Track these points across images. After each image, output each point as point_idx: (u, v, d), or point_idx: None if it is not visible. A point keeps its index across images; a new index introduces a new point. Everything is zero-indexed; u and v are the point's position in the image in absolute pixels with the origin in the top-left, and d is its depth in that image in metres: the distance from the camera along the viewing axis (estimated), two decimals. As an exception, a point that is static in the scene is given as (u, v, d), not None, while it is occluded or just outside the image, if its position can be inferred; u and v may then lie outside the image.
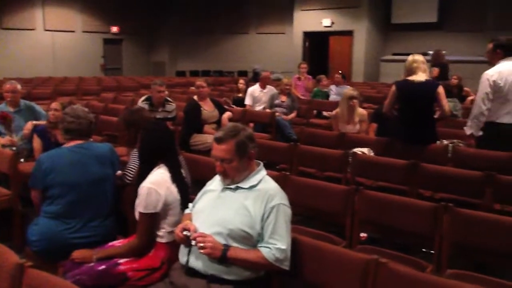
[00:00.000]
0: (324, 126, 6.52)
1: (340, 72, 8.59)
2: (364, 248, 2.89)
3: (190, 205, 2.42)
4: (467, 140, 4.38)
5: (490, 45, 4.20)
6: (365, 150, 4.34)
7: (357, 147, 4.42)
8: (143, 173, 2.50)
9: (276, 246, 2.08)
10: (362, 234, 3.70)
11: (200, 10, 18.15)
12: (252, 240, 2.12)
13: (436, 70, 4.27)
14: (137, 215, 2.44)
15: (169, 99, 5.71)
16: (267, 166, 4.56)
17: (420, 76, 4.11)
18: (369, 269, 2.01)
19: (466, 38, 12.98)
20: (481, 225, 2.60)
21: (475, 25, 13.13)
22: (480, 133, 4.19)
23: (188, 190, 2.63)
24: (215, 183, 2.34)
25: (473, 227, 2.61)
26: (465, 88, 7.14)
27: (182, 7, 18.38)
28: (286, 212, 2.16)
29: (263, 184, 2.21)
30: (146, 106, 5.28)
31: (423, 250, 3.33)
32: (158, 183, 2.42)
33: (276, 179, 3.22)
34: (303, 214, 4.10)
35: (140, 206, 2.40)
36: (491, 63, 4.18)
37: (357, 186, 3.00)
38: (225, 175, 2.21)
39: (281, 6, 16.52)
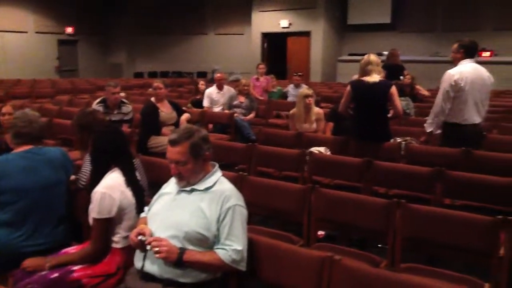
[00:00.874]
0: (283, 126, 6.57)
1: (297, 73, 8.67)
2: (321, 245, 2.94)
3: (146, 208, 2.39)
4: (421, 138, 4.54)
5: (455, 45, 4.34)
6: (322, 149, 4.41)
7: (314, 146, 4.48)
8: (95, 178, 2.45)
9: (232, 247, 2.09)
10: (320, 232, 3.76)
11: (157, 10, 17.91)
12: (208, 242, 2.11)
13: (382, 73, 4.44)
14: (91, 221, 2.39)
15: (125, 101, 5.62)
16: (226, 167, 4.59)
17: (374, 77, 4.22)
18: (324, 267, 2.04)
19: (418, 38, 13.41)
20: (432, 220, 2.69)
21: (426, 26, 13.60)
22: (439, 131, 4.36)
23: (144, 193, 2.59)
24: (171, 185, 2.32)
25: (424, 221, 2.70)
26: (417, 86, 7.37)
27: (138, 7, 18.11)
28: (242, 213, 2.17)
29: (219, 186, 2.21)
30: (101, 109, 5.17)
31: (379, 245, 3.42)
32: (112, 187, 2.38)
33: (234, 180, 3.27)
34: (262, 214, 4.14)
35: (94, 212, 2.35)
36: (454, 63, 4.34)
37: (313, 185, 3.04)
38: (180, 178, 2.20)
39: (239, 7, 16.55)
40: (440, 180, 3.41)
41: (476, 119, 4.27)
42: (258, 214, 4.09)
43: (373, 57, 4.32)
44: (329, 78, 14.42)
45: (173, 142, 2.16)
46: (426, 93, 7.42)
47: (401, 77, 7.16)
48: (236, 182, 3.27)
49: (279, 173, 4.43)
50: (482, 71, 4.28)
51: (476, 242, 2.53)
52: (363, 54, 4.55)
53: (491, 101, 7.87)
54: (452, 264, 3.36)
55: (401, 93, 6.30)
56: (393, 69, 7.37)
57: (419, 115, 6.18)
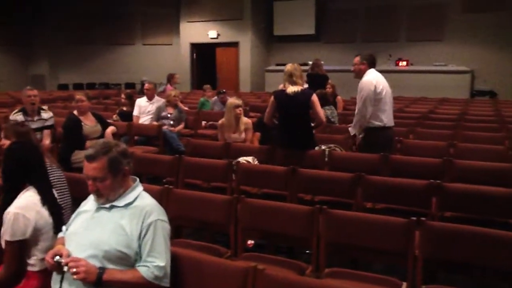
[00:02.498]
0: (213, 137, 6.57)
1: (222, 91, 8.71)
2: (249, 255, 2.95)
3: (64, 228, 2.28)
4: (345, 143, 4.75)
5: (357, 58, 4.65)
6: (250, 158, 4.45)
7: (243, 156, 4.51)
8: (7, 197, 2.31)
9: (154, 264, 2.04)
10: (250, 241, 3.79)
11: (81, 19, 17.26)
12: (129, 260, 2.06)
13: (304, 82, 4.68)
14: (3, 244, 2.25)
15: (44, 107, 5.43)
16: (153, 181, 4.51)
17: (296, 87, 4.33)
18: (248, 278, 2.05)
19: (340, 49, 13.99)
20: (353, 224, 2.79)
21: (348, 37, 14.24)
22: (362, 134, 4.60)
23: (62, 212, 2.48)
24: (90, 203, 2.24)
25: (346, 226, 2.80)
26: (338, 97, 7.65)
27: (62, 16, 17.36)
28: (164, 228, 2.13)
29: (140, 201, 2.16)
30: (20, 117, 4.95)
31: (307, 251, 3.50)
32: (25, 207, 2.25)
33: (159, 194, 3.23)
34: (192, 227, 4.10)
35: (7, 234, 2.21)
36: (358, 73, 4.65)
37: (238, 195, 3.06)
38: (98, 194, 2.13)
39: (167, 17, 16.40)
40: (360, 185, 3.55)
41: (392, 122, 4.64)
42: (187, 227, 4.08)
43: (295, 67, 4.44)
44: (258, 88, 14.64)
45: (89, 158, 2.09)
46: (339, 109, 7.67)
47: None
48: (162, 195, 3.23)
49: (208, 184, 4.42)
50: (385, 80, 4.64)
51: (393, 243, 2.66)
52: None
53: (408, 108, 8.45)
54: (374, 265, 3.52)
55: (327, 102, 6.54)
56: (316, 78, 7.62)
57: (342, 122, 6.42)
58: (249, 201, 3.02)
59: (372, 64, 4.62)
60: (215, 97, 8.54)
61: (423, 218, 2.62)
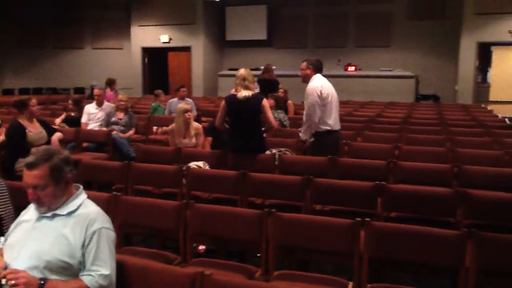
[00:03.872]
0: (164, 142, 6.50)
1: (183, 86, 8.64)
2: (199, 261, 2.94)
3: (2, 239, 2.20)
4: (296, 147, 4.83)
5: (304, 63, 4.78)
6: (201, 163, 4.44)
7: (194, 161, 4.49)
8: None
9: (99, 272, 2.00)
10: (201, 247, 3.78)
11: (28, 22, 16.64)
12: (73, 270, 2.00)
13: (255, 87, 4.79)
14: None
15: None
16: (103, 188, 4.41)
17: (247, 91, 4.37)
18: (195, 283, 2.04)
19: (291, 54, 14.20)
20: (301, 226, 2.84)
21: (299, 43, 14.50)
22: (313, 138, 4.69)
23: (3, 222, 2.39)
24: (30, 212, 2.16)
25: (295, 228, 2.84)
26: (289, 102, 7.77)
27: (5, 18, 16.67)
28: (109, 235, 2.09)
29: (83, 209, 2.11)
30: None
31: (258, 255, 3.52)
32: (-39, 218, 2.15)
33: (107, 201, 3.16)
34: (142, 234, 4.04)
35: None
36: (304, 78, 4.78)
37: (187, 201, 3.05)
38: (39, 203, 2.06)
39: (118, 21, 16.08)
40: (309, 187, 3.62)
41: (339, 125, 4.80)
42: (137, 234, 4.01)
43: (246, 72, 4.48)
44: (211, 92, 14.62)
45: (29, 166, 2.02)
46: (290, 114, 7.78)
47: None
48: (110, 203, 3.17)
49: (159, 190, 4.37)
50: (331, 85, 4.78)
51: (340, 244, 2.72)
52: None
53: (356, 112, 8.69)
54: (325, 266, 3.59)
55: (278, 106, 6.64)
56: (268, 83, 7.72)
57: (293, 126, 6.51)
58: (198, 206, 3.01)
59: (318, 69, 4.75)
60: (173, 99, 8.43)
61: (367, 219, 2.70)
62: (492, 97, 14.75)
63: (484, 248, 2.52)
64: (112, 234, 2.12)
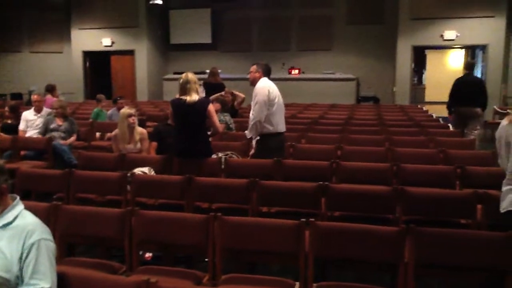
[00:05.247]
0: (108, 148, 6.35)
1: (121, 97, 8.48)
2: (146, 269, 2.90)
3: None
4: (242, 150, 4.87)
5: (254, 66, 4.86)
6: (146, 169, 4.37)
7: (138, 167, 4.42)
8: None
9: (38, 286, 1.93)
10: (148, 254, 3.73)
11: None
12: (9, 285, 1.92)
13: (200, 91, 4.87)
14: None
15: None
16: (43, 197, 4.24)
17: (193, 95, 4.36)
18: (140, 291, 2.03)
19: (236, 58, 14.27)
20: (247, 229, 2.87)
21: (243, 47, 14.58)
22: (258, 137, 4.76)
23: None
24: (-38, 226, 2.06)
25: (241, 231, 2.87)
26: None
27: None
28: (48, 247, 2.02)
29: (20, 220, 2.03)
30: None
31: (206, 260, 3.52)
32: None
33: (47, 211, 3.05)
34: (86, 244, 3.93)
35: None
36: (253, 81, 4.84)
37: (132, 208, 3.00)
38: (-28, 216, 1.96)
39: (57, 24, 15.49)
40: (255, 190, 3.66)
41: (284, 128, 4.89)
42: (81, 244, 3.90)
43: (190, 76, 4.47)
44: (156, 96, 14.41)
45: (-40, 177, 1.93)
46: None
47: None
48: (50, 213, 3.06)
49: (102, 198, 4.26)
50: (277, 88, 4.88)
51: (285, 244, 2.77)
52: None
53: (300, 114, 8.86)
54: (271, 268, 3.64)
55: (224, 109, 6.65)
56: (213, 87, 7.72)
57: (239, 129, 6.55)
58: (143, 213, 2.97)
59: (267, 73, 4.84)
60: (111, 110, 8.25)
61: (312, 219, 2.77)
62: (427, 98, 15.52)
63: (421, 242, 2.64)
64: (52, 245, 2.06)
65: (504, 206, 2.83)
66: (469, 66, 7.75)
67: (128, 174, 4.02)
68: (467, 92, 7.07)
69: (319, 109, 9.79)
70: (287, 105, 9.40)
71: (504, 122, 2.88)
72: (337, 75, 13.25)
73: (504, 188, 2.86)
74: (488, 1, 11.74)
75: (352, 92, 13.19)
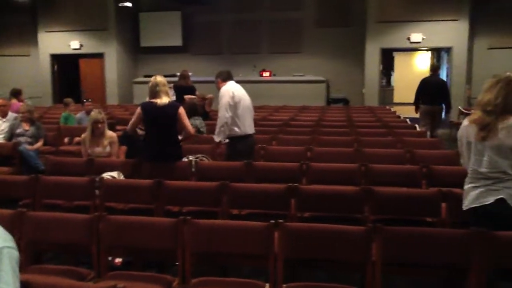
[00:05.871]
0: (77, 153, 6.24)
1: (88, 99, 8.35)
2: (115, 274, 2.87)
3: None
4: (213, 153, 4.87)
5: (216, 79, 5.03)
6: (115, 173, 4.32)
7: (108, 171, 4.37)
8: None
9: (1, 294, 1.89)
10: (117, 260, 3.68)
11: None
12: (-29, 294, 1.87)
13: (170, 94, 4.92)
14: None
15: None
16: (8, 204, 4.15)
17: (163, 99, 4.34)
18: (107, 297, 2.01)
19: (207, 61, 14.27)
20: (217, 232, 2.87)
21: (214, 49, 14.61)
22: (227, 140, 4.80)
23: None
24: None
25: (211, 234, 2.87)
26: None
27: None
28: (11, 255, 1.97)
29: (-18, 228, 1.98)
30: None
31: (176, 264, 3.49)
32: None
33: (11, 218, 2.99)
34: (53, 251, 3.86)
35: None
36: (218, 85, 4.97)
37: (100, 213, 2.96)
38: None
39: (23, 26, 15.13)
40: (225, 193, 3.67)
41: (253, 129, 4.95)
42: (48, 251, 3.82)
43: (159, 79, 4.45)
44: (126, 100, 14.26)
45: None
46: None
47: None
48: (15, 219, 3.00)
49: (71, 203, 4.19)
50: (244, 90, 4.96)
51: (255, 246, 2.79)
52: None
53: (271, 116, 8.92)
54: (242, 270, 3.65)
55: (195, 113, 6.62)
56: (184, 89, 7.69)
57: (210, 132, 6.53)
58: (111, 218, 2.94)
59: (229, 77, 4.95)
60: (80, 113, 8.11)
61: (281, 220, 2.79)
62: (396, 99, 15.83)
63: (388, 241, 2.69)
64: (15, 254, 2.00)
65: (466, 204, 2.92)
66: (434, 68, 8.73)
67: (97, 179, 3.97)
68: (431, 91, 7.99)
69: (290, 111, 9.86)
70: (258, 108, 9.53)
71: (465, 122, 2.97)
72: (308, 78, 13.39)
73: (466, 186, 2.95)
74: (452, 5, 12.10)
75: (322, 94, 13.36)
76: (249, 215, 3.78)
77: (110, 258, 3.54)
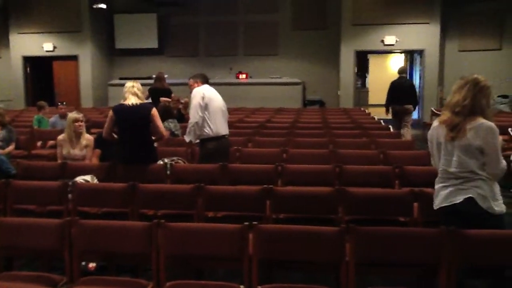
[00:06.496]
0: (50, 157, 6.13)
1: (62, 102, 8.21)
2: (88, 280, 2.84)
3: None
4: (188, 155, 4.86)
5: (191, 80, 4.99)
6: (88, 177, 4.26)
7: (81, 175, 4.31)
8: None
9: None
10: (91, 265, 3.64)
11: None
12: None
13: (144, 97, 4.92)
14: None
15: None
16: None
17: (131, 99, 4.32)
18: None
19: (183, 62, 14.22)
20: (192, 235, 2.86)
21: (190, 52, 14.57)
22: (198, 140, 4.80)
23: None
24: None
25: (186, 237, 2.85)
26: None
27: None
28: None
29: None
30: None
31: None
32: None
33: (-20, 224, 2.92)
34: (25, 257, 3.79)
35: None
36: (191, 87, 4.96)
37: (72, 218, 2.92)
38: None
39: (-6, 28, 14.84)
40: (200, 195, 3.66)
41: (227, 131, 4.93)
42: (20, 258, 3.75)
43: (129, 83, 4.46)
44: (101, 103, 14.09)
45: None
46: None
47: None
48: (-16, 226, 2.93)
49: (43, 208, 4.11)
50: (217, 93, 4.96)
51: (230, 248, 2.79)
52: (134, 78, 4.80)
53: (248, 118, 8.93)
54: (217, 273, 3.65)
55: (170, 115, 6.59)
56: (159, 92, 7.64)
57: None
58: (84, 222, 2.90)
59: (205, 80, 4.94)
60: (54, 117, 7.97)
61: (255, 222, 2.80)
62: (371, 101, 16.09)
63: (361, 241, 2.72)
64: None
65: (437, 203, 2.98)
66: (402, 71, 9.27)
67: (70, 183, 3.91)
68: (400, 92, 8.67)
69: (266, 113, 9.89)
70: (235, 110, 9.53)
71: (435, 123, 3.04)
72: (284, 80, 13.47)
73: (436, 186, 3.01)
74: (424, 9, 12.36)
75: (299, 96, 13.46)
76: (224, 217, 3.77)
77: (83, 263, 3.51)
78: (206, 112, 4.71)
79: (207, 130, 4.72)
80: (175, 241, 2.83)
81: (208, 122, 4.72)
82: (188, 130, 4.79)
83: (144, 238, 2.81)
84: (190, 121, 4.77)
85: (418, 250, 2.73)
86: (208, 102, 4.73)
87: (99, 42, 14.55)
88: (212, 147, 4.74)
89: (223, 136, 4.86)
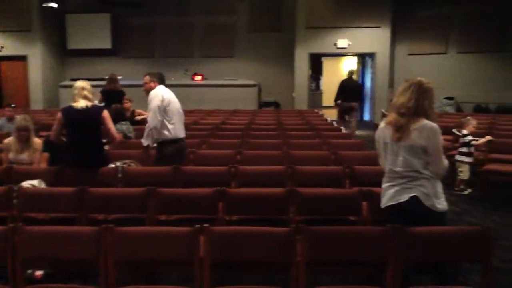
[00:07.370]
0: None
1: (10, 105, 7.90)
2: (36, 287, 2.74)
3: None
4: (141, 158, 4.78)
5: (147, 77, 4.91)
6: (35, 182, 4.12)
7: (28, 179, 4.16)
8: None
9: None
10: (38, 272, 3.51)
11: None
12: None
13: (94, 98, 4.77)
14: None
15: None
16: None
17: (80, 102, 4.21)
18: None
19: (138, 64, 13.98)
20: (143, 239, 2.82)
21: (145, 53, 14.39)
22: (155, 144, 4.76)
23: None
24: None
25: (136, 241, 2.80)
26: (137, 110, 7.64)
27: None
28: None
29: None
30: None
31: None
32: None
33: None
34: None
35: None
36: (149, 90, 4.87)
37: (15, 224, 2.82)
38: None
39: None
40: (152, 198, 3.61)
41: (183, 134, 4.93)
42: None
43: (80, 83, 4.35)
44: (52, 104, 13.64)
45: None
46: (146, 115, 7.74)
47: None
48: None
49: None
50: (174, 95, 4.94)
51: (181, 252, 2.76)
52: (86, 79, 4.70)
53: (203, 120, 8.89)
54: (170, 277, 3.61)
55: (122, 117, 6.46)
56: (112, 94, 7.48)
57: (139, 137, 6.39)
58: (29, 229, 2.80)
59: (162, 81, 4.89)
60: (1, 120, 7.65)
61: (206, 225, 2.79)
62: (324, 103, 16.36)
63: (311, 241, 2.76)
64: None
65: (383, 202, 3.07)
66: (350, 73, 10.89)
67: (15, 188, 3.77)
68: (348, 91, 10.31)
69: (221, 115, 9.88)
70: (190, 112, 9.45)
71: (382, 124, 3.14)
72: (240, 82, 13.52)
73: (383, 185, 3.11)
74: (375, 13, 12.72)
75: (254, 98, 13.53)
76: (177, 220, 3.74)
77: (30, 271, 3.38)
78: (165, 115, 4.69)
79: (165, 133, 4.71)
80: (124, 246, 2.77)
81: (167, 125, 4.70)
82: (146, 133, 4.74)
83: (92, 244, 2.75)
84: (148, 124, 4.72)
85: (367, 248, 2.79)
86: (167, 105, 4.71)
87: (50, 42, 14.10)
88: (170, 150, 4.72)
89: (181, 139, 4.86)
